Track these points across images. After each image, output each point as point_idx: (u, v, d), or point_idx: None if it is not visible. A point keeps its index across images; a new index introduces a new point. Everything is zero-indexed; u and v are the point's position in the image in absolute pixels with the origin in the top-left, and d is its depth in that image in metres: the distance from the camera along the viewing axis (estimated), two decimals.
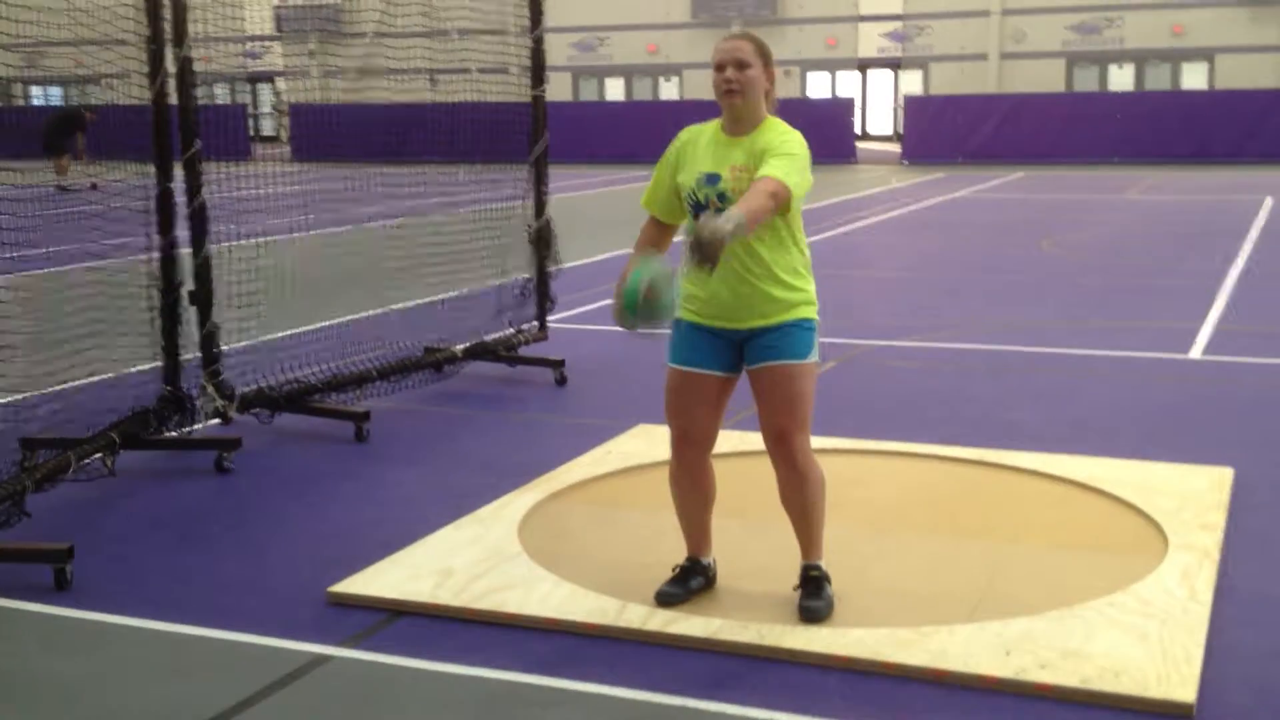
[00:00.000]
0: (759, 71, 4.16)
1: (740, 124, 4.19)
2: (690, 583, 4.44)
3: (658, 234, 4.42)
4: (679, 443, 4.39)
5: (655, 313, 3.91)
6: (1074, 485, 5.62)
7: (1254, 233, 15.68)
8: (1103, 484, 5.57)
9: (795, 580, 4.37)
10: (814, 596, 4.29)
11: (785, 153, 4.05)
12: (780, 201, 3.94)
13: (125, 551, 5.11)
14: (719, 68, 4.15)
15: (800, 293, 4.23)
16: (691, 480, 4.42)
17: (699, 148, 4.25)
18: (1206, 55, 36.18)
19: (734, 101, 4.14)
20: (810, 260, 4.30)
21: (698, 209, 4.20)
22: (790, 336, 4.20)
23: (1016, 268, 13.31)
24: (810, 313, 4.26)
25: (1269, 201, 19.64)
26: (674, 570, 4.48)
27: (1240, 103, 29.72)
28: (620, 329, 4.06)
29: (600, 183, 26.37)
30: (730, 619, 4.20)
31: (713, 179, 4.16)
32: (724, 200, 4.10)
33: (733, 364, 4.32)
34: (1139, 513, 5.23)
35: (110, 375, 6.31)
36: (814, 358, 4.28)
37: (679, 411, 4.36)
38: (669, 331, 4.25)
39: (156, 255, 6.21)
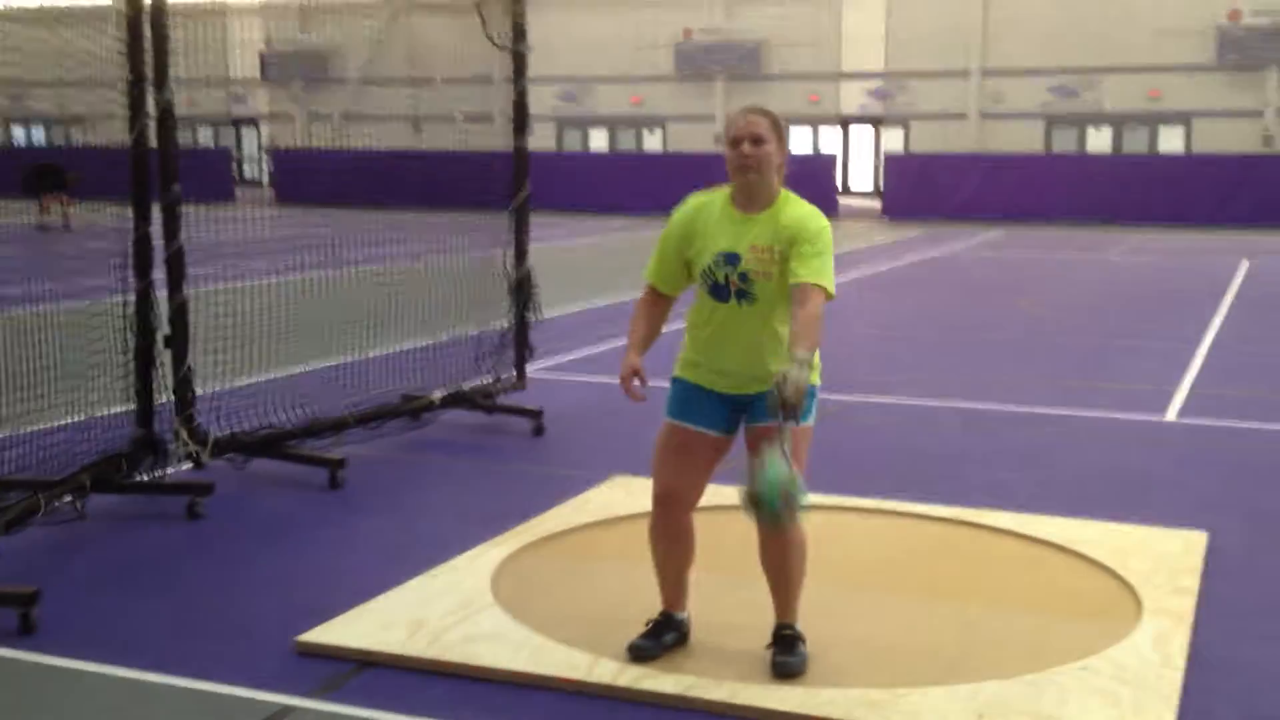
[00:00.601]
0: (774, 147, 4.14)
1: (754, 200, 4.17)
2: (664, 637, 4.40)
3: (656, 305, 4.38)
4: (662, 501, 4.36)
5: (791, 510, 3.96)
6: (1049, 546, 5.62)
7: (1230, 296, 15.82)
8: (1077, 545, 5.57)
9: (765, 636, 4.35)
10: (788, 653, 4.26)
11: (818, 251, 4.05)
12: (822, 309, 4.02)
13: (93, 596, 5.05)
14: (735, 142, 4.11)
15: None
16: (672, 538, 4.40)
17: (710, 223, 4.20)
18: (1183, 119, 36.65)
19: (749, 179, 4.12)
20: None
21: (716, 289, 4.18)
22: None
23: (995, 326, 13.38)
24: (814, 379, 4.24)
25: (1245, 265, 19.84)
26: (647, 624, 4.44)
27: (1217, 166, 30.10)
28: None
29: (582, 233, 26.45)
30: (703, 676, 4.17)
31: (732, 259, 4.13)
32: (745, 281, 4.10)
33: (730, 426, 4.31)
34: (1113, 575, 5.23)
35: (83, 417, 6.25)
36: (810, 422, 4.26)
37: (668, 468, 4.33)
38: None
39: (133, 297, 6.18)
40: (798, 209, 4.18)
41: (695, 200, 4.31)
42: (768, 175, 4.14)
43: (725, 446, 4.35)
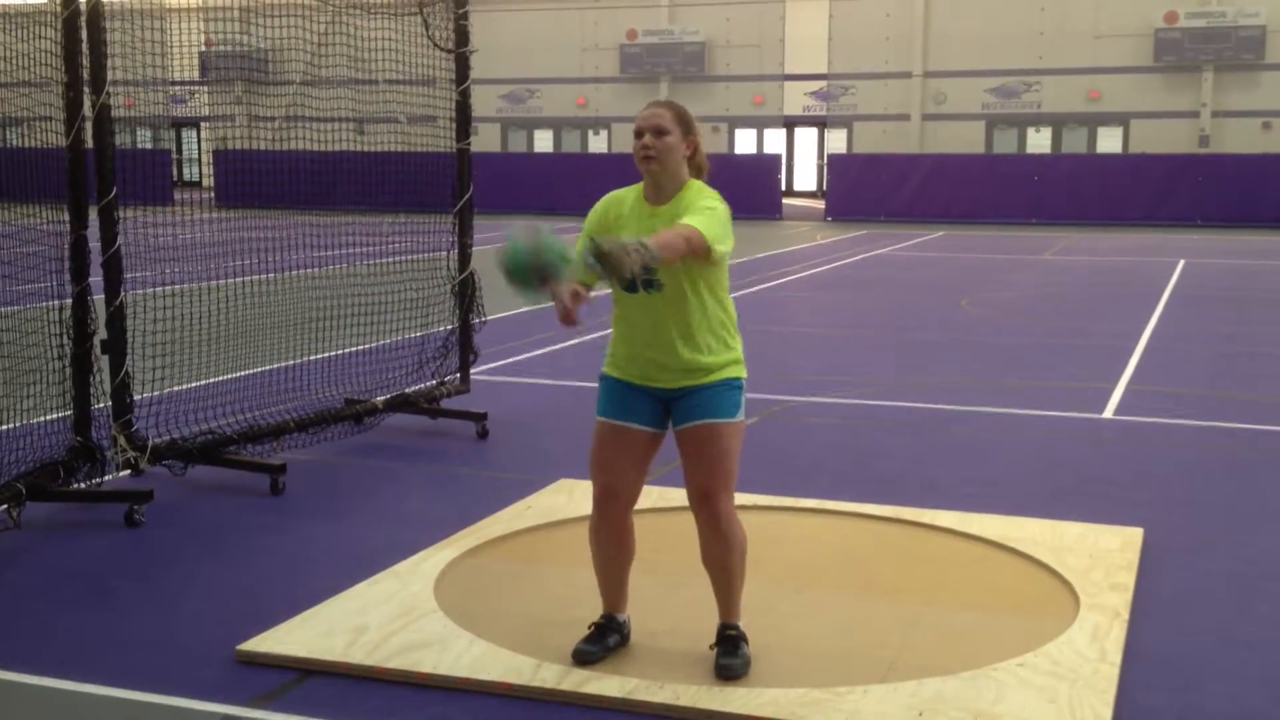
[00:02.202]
0: (677, 139, 4.17)
1: (661, 191, 4.21)
2: (607, 640, 4.41)
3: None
4: (601, 498, 4.37)
5: (543, 260, 3.73)
6: (988, 544, 5.69)
7: (1166, 294, 16.08)
8: (1016, 543, 5.64)
9: (711, 638, 4.37)
10: (730, 655, 4.29)
11: (704, 207, 4.08)
12: (695, 246, 3.93)
13: (29, 607, 4.98)
14: (638, 134, 4.17)
15: (727, 353, 4.25)
16: (612, 537, 4.40)
17: (622, 216, 4.24)
18: (1121, 120, 37.21)
19: (651, 168, 4.17)
20: (736, 318, 4.33)
21: (625, 283, 4.17)
22: (717, 396, 4.22)
23: (935, 326, 13.51)
24: (738, 371, 4.28)
25: (1181, 264, 20.17)
26: (590, 628, 4.45)
27: (1154, 166, 30.58)
28: (520, 292, 3.86)
29: None
30: (646, 678, 4.18)
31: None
32: (648, 272, 4.08)
33: (659, 420, 4.32)
34: (1051, 572, 5.30)
35: (18, 424, 6.16)
36: (740, 417, 4.29)
37: (604, 466, 4.34)
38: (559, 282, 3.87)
39: (69, 302, 6.10)
40: (698, 192, 4.20)
41: (608, 196, 4.35)
42: (670, 166, 4.17)
43: (658, 441, 4.36)
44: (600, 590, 4.48)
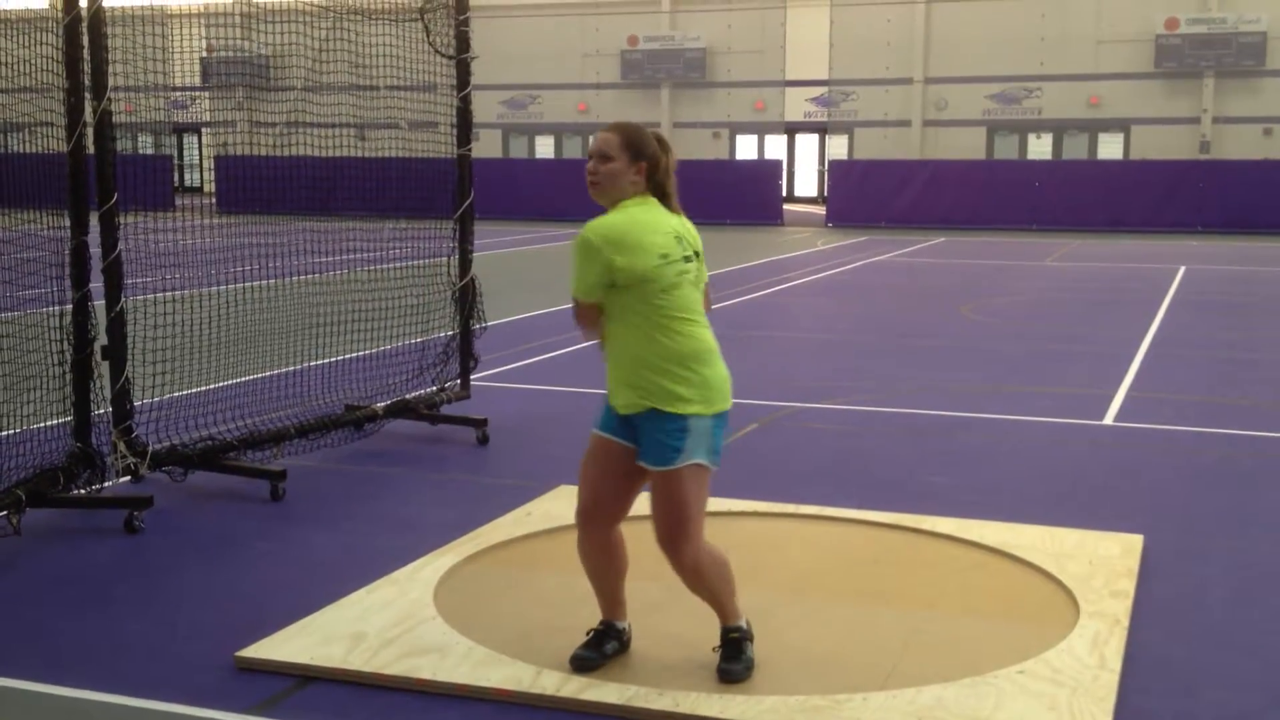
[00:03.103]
0: (623, 165, 4.18)
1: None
2: (605, 647, 4.41)
3: None
4: (584, 516, 4.35)
5: None
6: (988, 551, 5.69)
7: (1167, 300, 16.08)
8: (1016, 550, 5.64)
9: (711, 644, 4.37)
10: (733, 659, 4.29)
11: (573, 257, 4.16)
12: (576, 313, 4.20)
13: (29, 613, 4.98)
14: (589, 158, 4.24)
15: (670, 382, 4.09)
16: (597, 552, 4.39)
17: None
18: (1122, 126, 37.23)
19: (593, 193, 4.25)
20: (698, 349, 4.14)
21: None
22: (657, 443, 4.12)
23: (936, 332, 13.51)
24: (683, 409, 4.09)
25: (1182, 270, 20.17)
26: (588, 634, 4.45)
27: (1154, 173, 30.59)
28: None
29: (527, 240, 26.43)
30: (645, 685, 4.18)
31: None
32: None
33: (636, 438, 4.26)
34: (1051, 579, 5.30)
35: (18, 431, 6.16)
36: (684, 461, 4.10)
37: (586, 482, 4.33)
38: None
39: (69, 308, 6.11)
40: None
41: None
42: (612, 192, 4.21)
43: (635, 457, 4.27)
44: (597, 600, 4.48)
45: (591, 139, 4.28)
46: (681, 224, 4.27)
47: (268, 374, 8.03)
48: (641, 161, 4.20)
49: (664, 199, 4.27)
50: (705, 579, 4.29)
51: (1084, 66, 36.97)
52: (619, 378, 4.19)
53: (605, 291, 4.12)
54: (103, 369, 6.25)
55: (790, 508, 6.34)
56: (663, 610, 4.86)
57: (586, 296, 4.15)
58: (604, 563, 4.40)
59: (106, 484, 6.37)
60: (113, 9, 6.30)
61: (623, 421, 4.24)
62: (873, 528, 6.07)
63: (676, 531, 4.19)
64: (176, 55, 7.87)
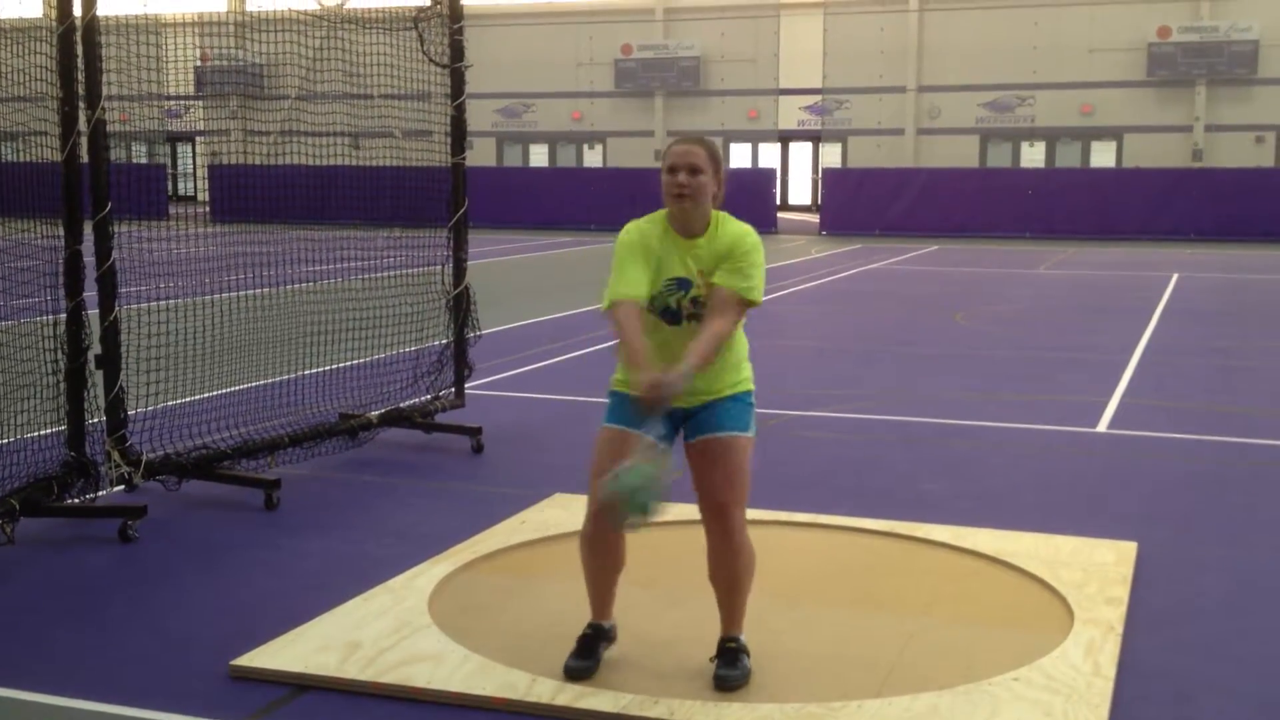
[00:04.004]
0: (710, 178, 4.21)
1: (691, 225, 4.24)
2: (597, 651, 4.41)
3: (639, 319, 4.20)
4: (598, 511, 4.34)
5: (643, 516, 3.96)
6: (982, 558, 5.70)
7: (1160, 308, 16.12)
8: (1010, 557, 5.65)
9: (707, 652, 4.37)
10: (730, 666, 4.29)
11: (750, 264, 4.20)
12: (733, 325, 4.19)
13: (22, 622, 4.97)
14: (671, 170, 4.18)
15: (737, 373, 4.37)
16: (605, 547, 4.40)
17: (658, 248, 4.24)
18: (1115, 134, 37.34)
19: (684, 205, 4.19)
20: (746, 341, 4.46)
21: (667, 312, 4.24)
22: (731, 410, 4.30)
23: (930, 340, 13.53)
24: (749, 386, 4.40)
25: (1175, 278, 20.22)
26: (578, 641, 4.44)
27: (1147, 180, 30.67)
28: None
29: (522, 249, 26.44)
30: (641, 693, 4.18)
31: (684, 284, 4.23)
32: (696, 305, 4.22)
33: (668, 435, 4.31)
34: (1045, 586, 5.31)
35: (11, 440, 6.15)
36: (752, 432, 4.37)
37: (604, 473, 4.31)
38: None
39: (63, 317, 6.10)
40: (733, 227, 4.28)
41: (634, 228, 4.32)
42: (702, 204, 4.22)
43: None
44: (589, 598, 4.48)
45: (667, 152, 4.25)
46: None
47: (262, 383, 8.02)
48: (720, 175, 4.28)
49: None
50: (740, 560, 4.32)
51: (1077, 75, 37.08)
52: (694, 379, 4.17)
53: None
54: (97, 378, 6.25)
55: (784, 515, 6.35)
56: (658, 618, 4.86)
57: (761, 293, 4.27)
58: (607, 559, 4.41)
59: (101, 493, 6.36)
60: (107, 18, 6.30)
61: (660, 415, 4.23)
62: (867, 535, 6.07)
63: (736, 497, 4.29)
64: (170, 64, 7.87)
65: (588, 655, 4.39)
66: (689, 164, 4.17)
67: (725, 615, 4.38)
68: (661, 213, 4.30)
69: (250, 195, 9.19)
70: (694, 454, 4.31)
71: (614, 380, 4.41)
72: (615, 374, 4.41)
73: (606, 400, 4.41)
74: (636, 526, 4.01)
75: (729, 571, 4.32)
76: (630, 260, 4.23)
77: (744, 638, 4.38)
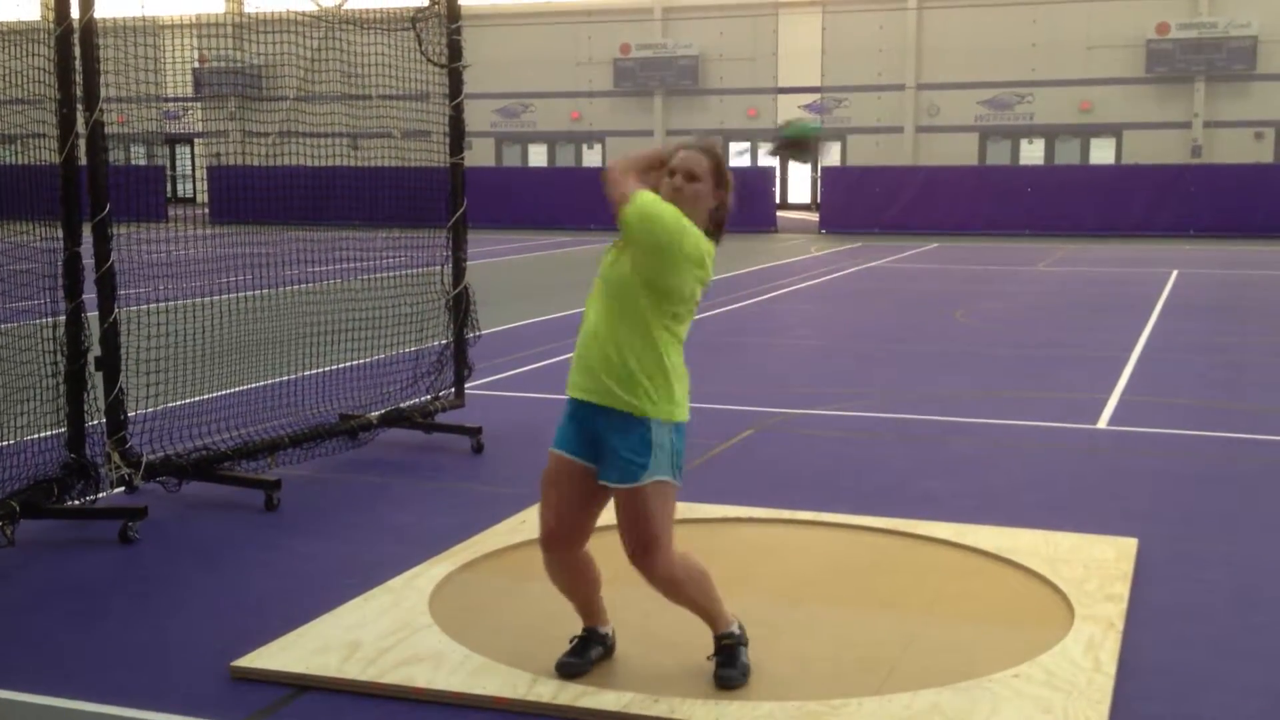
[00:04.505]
0: (707, 189, 4.12)
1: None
2: (590, 652, 4.41)
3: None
4: (547, 541, 4.29)
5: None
6: (983, 555, 5.69)
7: (1160, 304, 16.11)
8: (1011, 554, 5.64)
9: (706, 650, 4.37)
10: (729, 665, 4.29)
11: (674, 212, 4.01)
12: (609, 183, 4.02)
13: (23, 624, 4.97)
14: (671, 173, 4.10)
15: (648, 394, 4.04)
16: (563, 575, 4.36)
17: None
18: (1114, 131, 37.31)
19: (678, 207, 4.05)
20: (679, 374, 4.11)
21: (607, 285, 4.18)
22: (625, 460, 4.05)
23: (930, 337, 13.52)
24: (656, 413, 4.04)
25: (1175, 274, 20.21)
26: (572, 641, 4.45)
27: (1146, 177, 30.65)
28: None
29: (522, 249, 26.44)
30: (642, 692, 4.18)
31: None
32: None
33: (595, 455, 4.16)
34: (1046, 583, 5.31)
35: (12, 442, 6.15)
36: (649, 478, 4.05)
37: (548, 504, 4.25)
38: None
39: (63, 319, 6.10)
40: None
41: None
42: (694, 212, 4.08)
43: (596, 477, 4.20)
44: (577, 610, 4.48)
45: (678, 153, 4.14)
46: None
47: (262, 384, 8.02)
48: (721, 190, 4.18)
49: (716, 231, 4.23)
50: (683, 590, 4.26)
51: (1075, 72, 37.06)
52: (601, 355, 4.06)
53: (651, 277, 3.98)
54: (96, 380, 6.25)
55: (785, 513, 6.35)
56: (656, 616, 4.86)
57: (637, 219, 3.96)
58: (574, 581, 4.37)
59: (101, 495, 6.36)
60: (104, 20, 6.30)
61: (582, 437, 4.15)
62: (868, 533, 6.07)
63: (645, 548, 4.14)
64: (169, 66, 7.87)
65: (578, 654, 4.39)
66: (687, 169, 4.10)
67: (706, 622, 4.37)
68: None
69: (249, 196, 9.19)
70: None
71: (677, 405, 4.17)
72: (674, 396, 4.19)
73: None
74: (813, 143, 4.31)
75: (678, 601, 4.30)
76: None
77: (737, 629, 4.36)
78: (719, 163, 4.19)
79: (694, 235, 4.04)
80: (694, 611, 4.35)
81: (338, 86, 9.49)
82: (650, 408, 4.05)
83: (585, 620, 4.47)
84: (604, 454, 4.11)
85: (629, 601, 4.64)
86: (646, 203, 3.99)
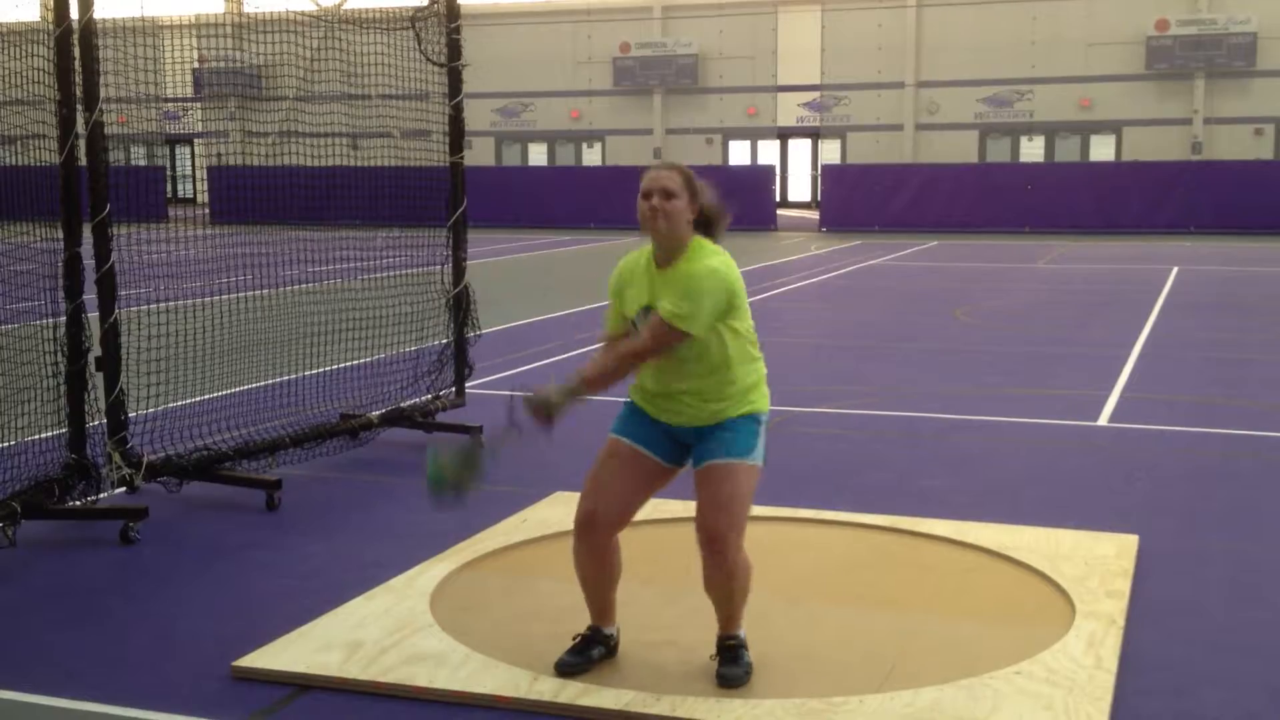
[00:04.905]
0: (684, 203, 4.16)
1: (667, 253, 4.20)
2: (591, 652, 4.42)
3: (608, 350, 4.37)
4: (583, 525, 4.33)
5: (461, 481, 4.22)
6: (984, 553, 5.69)
7: (1160, 301, 16.11)
8: (1012, 551, 5.65)
9: (708, 649, 4.37)
10: (732, 664, 4.29)
11: (695, 291, 4.09)
12: (653, 349, 4.13)
13: (24, 624, 4.97)
14: (645, 195, 4.15)
15: (747, 391, 4.27)
16: (592, 561, 4.38)
17: (634, 279, 4.29)
18: (1114, 128, 37.30)
19: (657, 227, 4.14)
20: (759, 353, 4.36)
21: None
22: (734, 436, 4.21)
23: (930, 335, 13.52)
24: (760, 405, 4.29)
25: (1175, 271, 20.20)
26: (575, 639, 4.45)
27: (1146, 174, 30.64)
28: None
29: (521, 248, 26.44)
30: (643, 690, 4.18)
31: (647, 312, 4.21)
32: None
33: (674, 456, 4.33)
34: (1047, 580, 5.31)
35: (12, 442, 6.15)
36: (755, 459, 4.25)
37: (595, 490, 4.31)
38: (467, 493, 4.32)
39: (63, 320, 6.10)
40: (701, 260, 4.18)
41: (624, 261, 4.40)
42: (676, 229, 4.16)
43: (667, 477, 4.38)
44: (586, 603, 4.49)
45: (642, 178, 4.22)
46: None
47: (262, 384, 8.03)
48: (697, 203, 4.22)
49: (710, 230, 4.34)
50: (738, 580, 4.28)
51: (1075, 69, 37.04)
52: (692, 401, 4.23)
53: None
54: (97, 380, 6.25)
55: (786, 511, 6.35)
56: (659, 615, 4.86)
57: (706, 331, 4.14)
58: (598, 571, 4.39)
59: (102, 495, 6.37)
60: (104, 20, 6.30)
61: (668, 436, 4.29)
62: (869, 531, 6.07)
63: (733, 527, 4.20)
64: (168, 66, 7.87)
65: (579, 653, 4.40)
66: (662, 187, 4.14)
67: (721, 618, 4.37)
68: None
69: (249, 196, 9.19)
70: (697, 481, 4.26)
71: (631, 388, 4.41)
72: (634, 382, 4.40)
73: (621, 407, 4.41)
74: (445, 496, 4.20)
75: (722, 591, 4.30)
76: (610, 299, 4.38)
77: (743, 633, 4.38)
78: (688, 176, 4.25)
79: (716, 280, 4.15)
80: (726, 605, 4.31)
81: (337, 86, 9.49)
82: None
83: (594, 617, 4.47)
84: (705, 435, 4.23)
85: (633, 599, 4.64)
86: (684, 317, 4.11)
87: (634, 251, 4.37)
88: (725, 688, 4.23)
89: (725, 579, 4.26)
